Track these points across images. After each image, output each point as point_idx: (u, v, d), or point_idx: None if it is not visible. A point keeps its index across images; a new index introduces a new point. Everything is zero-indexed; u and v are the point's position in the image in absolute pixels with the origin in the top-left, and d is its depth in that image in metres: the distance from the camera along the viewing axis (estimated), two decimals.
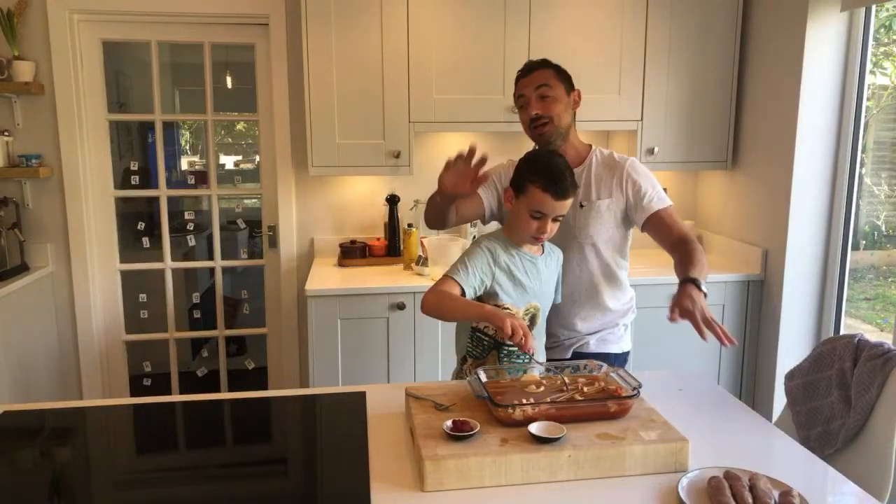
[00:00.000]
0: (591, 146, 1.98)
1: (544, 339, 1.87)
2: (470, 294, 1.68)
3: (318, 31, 2.79)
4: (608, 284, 1.95)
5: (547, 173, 1.66)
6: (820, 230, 2.83)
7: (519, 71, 1.95)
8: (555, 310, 1.92)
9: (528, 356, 1.66)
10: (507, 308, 1.72)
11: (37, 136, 3.02)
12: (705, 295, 1.56)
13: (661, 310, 2.22)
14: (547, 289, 1.81)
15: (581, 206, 1.90)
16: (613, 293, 1.96)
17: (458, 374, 1.85)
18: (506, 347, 1.70)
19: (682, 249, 1.76)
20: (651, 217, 1.86)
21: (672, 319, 1.51)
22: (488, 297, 1.73)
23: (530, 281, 1.75)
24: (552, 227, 1.70)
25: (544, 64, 1.91)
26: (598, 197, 1.90)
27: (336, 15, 2.79)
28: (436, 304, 1.64)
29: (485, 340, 1.74)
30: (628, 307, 2.01)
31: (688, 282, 1.59)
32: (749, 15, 3.02)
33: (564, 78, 1.90)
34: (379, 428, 1.49)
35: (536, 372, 1.54)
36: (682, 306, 1.51)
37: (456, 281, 1.67)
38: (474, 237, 1.90)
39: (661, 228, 1.86)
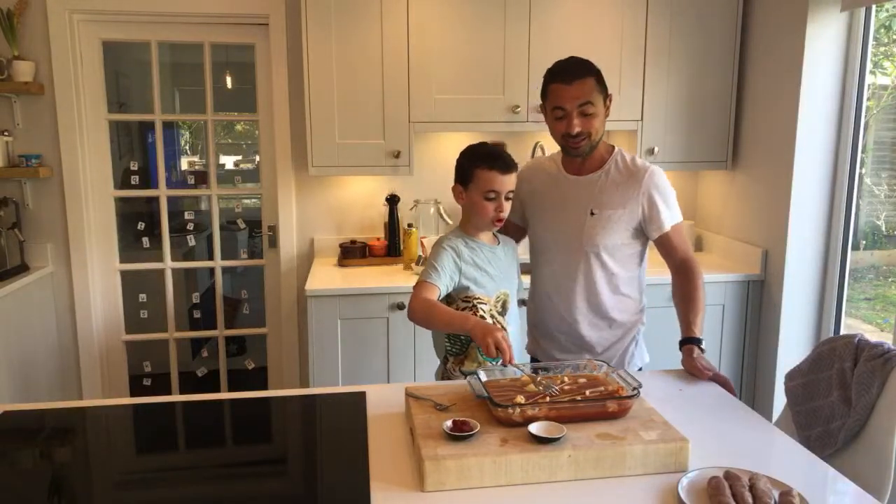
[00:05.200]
0: (613, 148, 1.93)
1: (519, 322, 1.94)
2: (444, 291, 1.77)
3: (318, 31, 2.79)
4: (613, 295, 1.91)
5: (487, 155, 1.79)
6: (820, 230, 2.82)
7: (555, 72, 1.82)
8: (559, 318, 1.93)
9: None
10: (479, 298, 1.80)
11: (37, 136, 3.02)
12: (703, 350, 1.80)
13: (662, 310, 2.23)
14: (511, 274, 1.91)
15: (592, 213, 1.87)
16: (619, 305, 1.92)
17: (443, 374, 1.89)
18: None
19: (684, 283, 1.87)
20: (662, 235, 1.87)
21: (706, 378, 1.75)
22: (459, 290, 1.81)
23: (495, 269, 1.84)
24: (507, 207, 1.80)
25: (586, 71, 1.79)
26: (611, 206, 1.86)
27: (336, 15, 2.79)
28: (422, 313, 1.72)
29: (461, 337, 1.81)
30: (636, 319, 1.97)
31: (692, 343, 1.79)
32: (749, 15, 3.02)
33: (603, 86, 1.82)
34: (379, 428, 1.49)
35: (517, 373, 1.55)
36: (704, 366, 1.75)
37: (432, 284, 1.75)
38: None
39: (667, 246, 1.89)
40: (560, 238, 1.91)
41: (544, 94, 1.85)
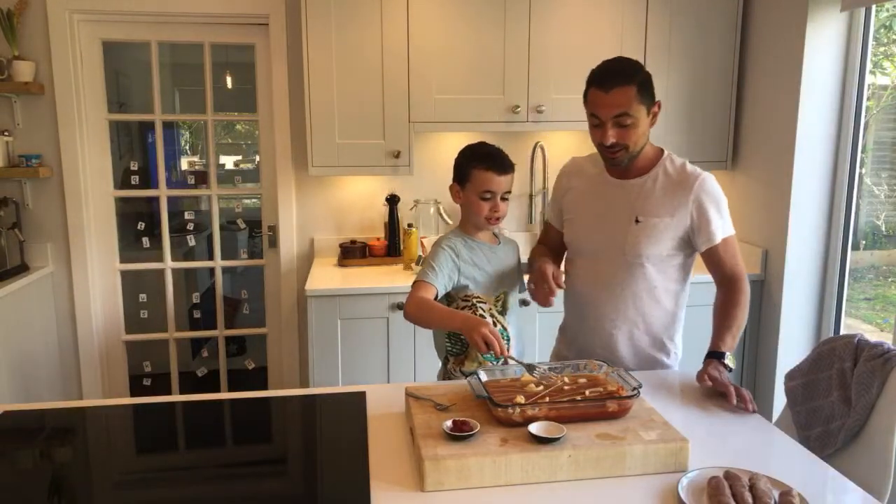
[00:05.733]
0: (661, 152, 1.81)
1: (518, 323, 1.93)
2: (442, 291, 1.77)
3: (318, 31, 2.79)
4: (654, 310, 1.80)
5: (484, 155, 1.80)
6: (820, 230, 2.83)
7: (595, 75, 1.70)
8: (590, 329, 1.86)
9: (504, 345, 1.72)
10: (478, 297, 1.80)
11: (37, 136, 3.02)
12: (730, 370, 1.69)
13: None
14: (511, 274, 1.90)
15: (637, 221, 1.75)
16: (658, 321, 1.82)
17: (444, 375, 1.88)
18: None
19: (724, 298, 1.77)
20: (711, 248, 1.76)
21: (704, 385, 1.66)
22: (458, 289, 1.81)
23: (494, 269, 1.84)
24: (503, 207, 1.80)
25: (627, 78, 1.65)
26: (657, 214, 1.74)
27: (336, 15, 2.79)
28: (416, 312, 1.72)
29: (462, 337, 1.81)
30: (673, 337, 1.86)
31: (714, 357, 1.69)
32: (749, 15, 3.02)
33: (646, 94, 1.67)
34: (379, 428, 1.49)
35: (517, 372, 1.55)
36: (710, 375, 1.66)
37: (429, 283, 1.74)
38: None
39: (714, 259, 1.78)
40: (600, 246, 1.80)
41: (585, 95, 1.73)
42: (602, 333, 1.83)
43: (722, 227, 1.76)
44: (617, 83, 1.64)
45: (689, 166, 1.78)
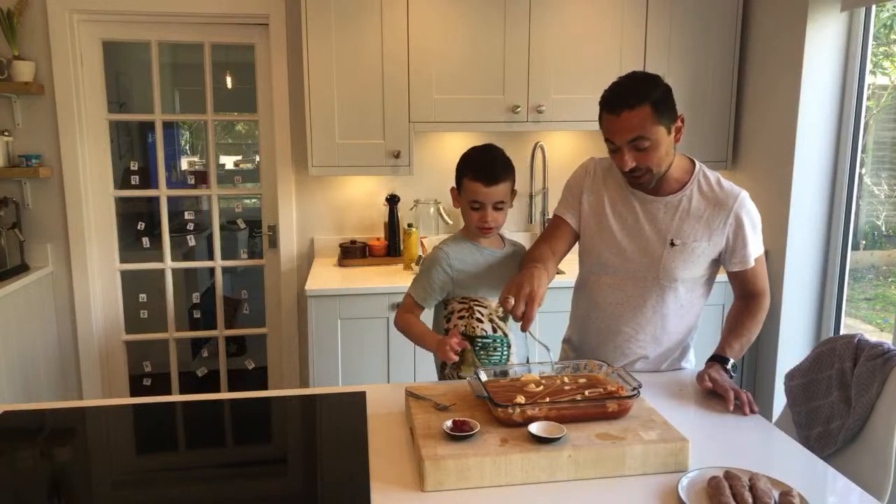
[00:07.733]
0: (693, 165, 1.72)
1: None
2: (431, 306, 1.85)
3: (318, 31, 2.79)
4: (681, 324, 1.77)
5: (476, 164, 1.74)
6: (820, 230, 2.83)
7: (606, 97, 1.59)
8: (614, 346, 1.80)
9: (504, 351, 1.78)
10: (477, 301, 1.79)
11: (37, 136, 3.02)
12: (731, 375, 1.68)
13: None
14: None
15: (672, 244, 1.67)
16: (685, 333, 1.80)
17: (441, 376, 1.89)
18: (479, 340, 1.77)
19: (742, 310, 1.76)
20: (744, 269, 1.72)
21: (704, 386, 1.64)
22: (455, 294, 1.81)
23: (496, 274, 1.81)
24: (494, 217, 1.75)
25: (640, 99, 1.53)
26: (695, 238, 1.67)
27: (336, 15, 2.79)
28: (403, 329, 1.83)
29: None
30: (692, 341, 1.86)
31: (716, 360, 1.69)
32: (749, 15, 3.02)
33: (665, 112, 1.56)
34: (379, 428, 1.49)
35: (522, 369, 1.55)
36: (710, 376, 1.65)
37: (418, 305, 1.82)
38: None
39: (742, 278, 1.74)
40: (631, 266, 1.72)
41: (599, 119, 1.63)
42: (628, 353, 1.79)
43: (756, 248, 1.71)
44: (627, 105, 1.54)
45: (725, 182, 1.71)
